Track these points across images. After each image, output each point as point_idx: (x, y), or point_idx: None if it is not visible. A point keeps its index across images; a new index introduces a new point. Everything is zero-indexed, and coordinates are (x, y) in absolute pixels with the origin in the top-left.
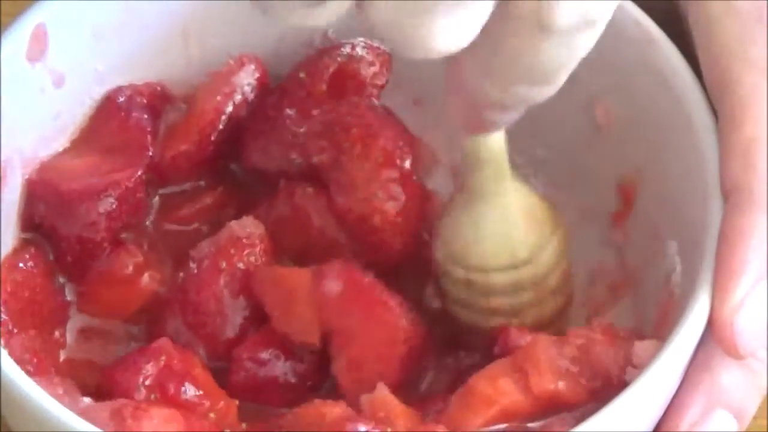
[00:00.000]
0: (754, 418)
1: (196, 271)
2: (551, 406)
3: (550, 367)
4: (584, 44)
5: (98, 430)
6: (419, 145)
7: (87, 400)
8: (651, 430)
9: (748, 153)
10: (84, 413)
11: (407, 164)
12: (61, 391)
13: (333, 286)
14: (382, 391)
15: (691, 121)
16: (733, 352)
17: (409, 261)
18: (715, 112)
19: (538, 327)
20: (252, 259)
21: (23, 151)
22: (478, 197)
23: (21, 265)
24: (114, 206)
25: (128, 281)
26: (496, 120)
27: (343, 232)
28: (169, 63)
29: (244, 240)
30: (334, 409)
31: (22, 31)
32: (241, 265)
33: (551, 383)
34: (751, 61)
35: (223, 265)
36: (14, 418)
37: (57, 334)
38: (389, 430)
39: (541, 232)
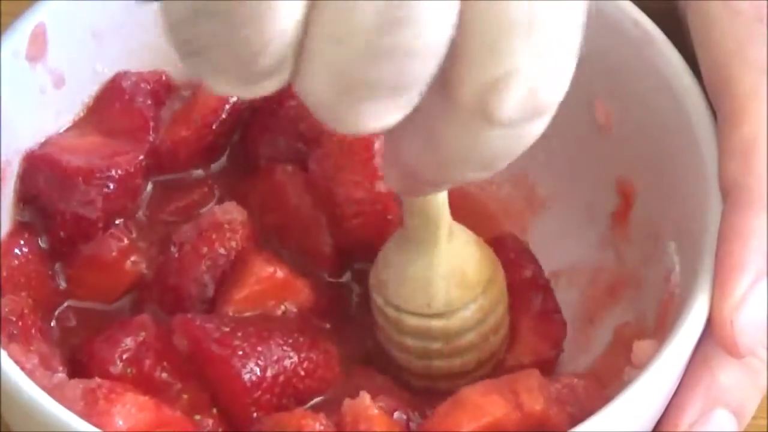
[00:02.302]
0: (754, 417)
1: (177, 255)
2: (536, 428)
3: (542, 392)
4: (532, 134)
5: (97, 430)
6: None
7: (61, 375)
8: (650, 429)
9: (748, 152)
10: (56, 388)
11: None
12: (36, 361)
13: (180, 341)
14: (364, 401)
15: (690, 121)
16: (733, 351)
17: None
18: (714, 112)
19: (447, 377)
20: (233, 244)
21: (23, 151)
22: (411, 240)
23: (17, 251)
24: (113, 188)
25: (113, 265)
26: (431, 192)
27: (321, 211)
28: (168, 63)
29: (226, 225)
30: (313, 423)
31: (22, 31)
32: (222, 251)
33: (542, 404)
34: (751, 60)
35: (204, 250)
36: (14, 418)
37: (53, 322)
38: None
39: (467, 292)
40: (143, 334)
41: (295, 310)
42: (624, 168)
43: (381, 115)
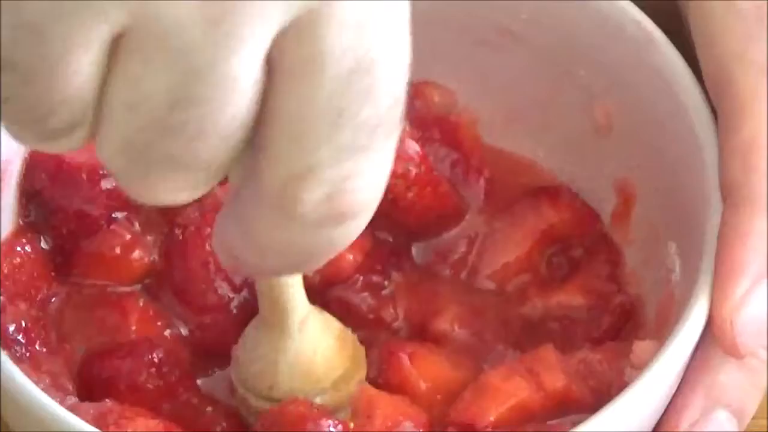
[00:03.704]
0: (754, 418)
1: (181, 237)
2: (560, 406)
3: (562, 368)
4: (345, 236)
5: (98, 431)
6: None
7: (71, 398)
8: (651, 430)
9: (748, 153)
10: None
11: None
12: (47, 381)
13: None
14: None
15: (691, 121)
16: (733, 351)
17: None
18: (715, 112)
19: None
20: None
21: (23, 151)
22: (264, 321)
23: (18, 249)
24: (115, 184)
25: (117, 261)
26: (262, 277)
27: None
28: None
29: None
30: (297, 408)
31: None
32: None
33: (564, 381)
34: (752, 61)
35: (208, 231)
36: (14, 418)
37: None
38: (352, 425)
39: (311, 385)
40: (160, 352)
41: None
42: (624, 168)
43: (173, 190)
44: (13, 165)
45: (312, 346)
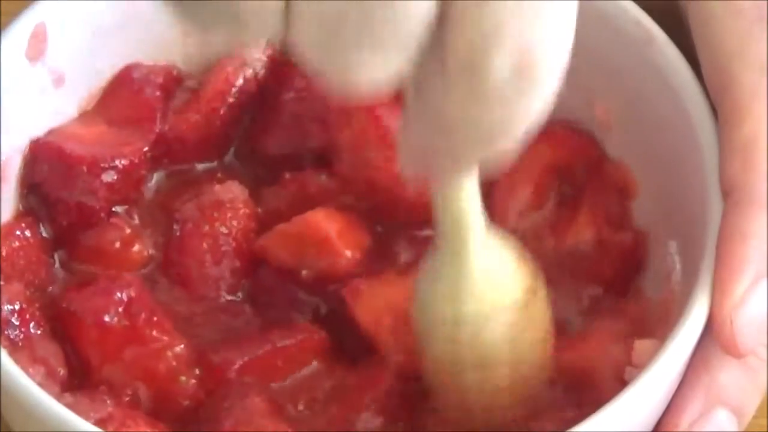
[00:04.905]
0: (754, 417)
1: (179, 233)
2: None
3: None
4: (529, 106)
5: (99, 430)
6: None
7: (70, 397)
8: (651, 429)
9: (748, 152)
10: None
11: (394, 119)
12: (43, 371)
13: None
14: None
15: (691, 120)
16: (733, 351)
17: None
18: (715, 111)
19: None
20: (235, 222)
21: (23, 150)
22: (441, 248)
23: (18, 232)
24: (115, 178)
25: (116, 254)
26: (449, 168)
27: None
28: (168, 62)
29: (227, 204)
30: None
31: (22, 30)
32: (223, 229)
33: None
34: (752, 60)
35: (206, 228)
36: (14, 417)
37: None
38: None
39: (495, 299)
40: (133, 289)
41: None
42: (624, 167)
43: (370, 69)
44: (12, 164)
45: (497, 262)
